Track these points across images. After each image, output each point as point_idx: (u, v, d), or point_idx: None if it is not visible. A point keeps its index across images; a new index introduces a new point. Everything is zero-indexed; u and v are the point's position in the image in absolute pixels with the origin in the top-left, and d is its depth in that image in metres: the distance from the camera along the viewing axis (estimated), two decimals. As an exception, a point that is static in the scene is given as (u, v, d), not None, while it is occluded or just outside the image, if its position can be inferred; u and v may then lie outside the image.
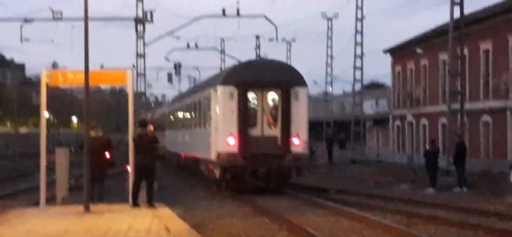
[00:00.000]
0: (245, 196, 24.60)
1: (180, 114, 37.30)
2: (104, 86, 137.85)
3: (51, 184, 20.31)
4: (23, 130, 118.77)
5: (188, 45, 67.99)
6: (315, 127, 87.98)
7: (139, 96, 53.44)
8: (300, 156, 26.13)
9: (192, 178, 34.31)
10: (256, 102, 26.38)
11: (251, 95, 26.29)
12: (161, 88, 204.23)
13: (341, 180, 35.00)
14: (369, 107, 73.31)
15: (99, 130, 19.33)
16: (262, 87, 26.36)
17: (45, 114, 18.70)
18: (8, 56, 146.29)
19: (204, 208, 21.79)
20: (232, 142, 25.59)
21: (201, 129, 29.25)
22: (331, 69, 69.24)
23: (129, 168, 18.26)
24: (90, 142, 16.71)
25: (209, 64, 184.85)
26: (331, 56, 67.00)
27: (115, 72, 19.59)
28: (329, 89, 71.91)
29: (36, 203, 20.02)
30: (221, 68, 70.46)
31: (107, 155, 18.98)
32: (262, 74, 26.64)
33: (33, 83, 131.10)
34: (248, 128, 25.84)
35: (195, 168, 31.48)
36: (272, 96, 26.56)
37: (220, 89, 26.27)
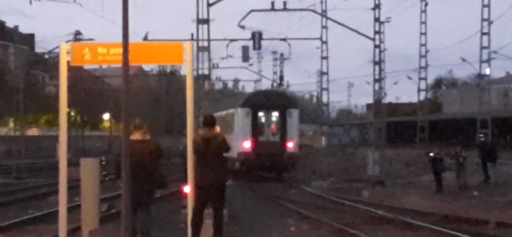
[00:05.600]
0: (356, 231, 24.97)
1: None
2: (148, 67, 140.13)
3: (74, 210, 20.65)
4: (32, 131, 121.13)
5: (272, 6, 68.16)
6: (463, 128, 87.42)
7: (201, 81, 53.81)
8: (292, 154, 57.73)
9: (278, 208, 37.61)
10: (264, 117, 58.44)
11: (260, 114, 58.14)
12: (233, 70, 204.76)
13: (505, 208, 34.72)
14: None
15: (145, 132, 19.29)
16: (267, 109, 58.49)
17: (65, 106, 18.65)
18: (10, 23, 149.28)
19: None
20: (247, 145, 56.07)
21: (228, 136, 46.14)
22: (489, 40, 68.43)
23: (187, 189, 18.37)
24: (132, 149, 16.82)
25: (305, 34, 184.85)
26: (488, 21, 66.09)
27: (168, 45, 19.58)
28: (486, 70, 70.87)
29: (53, 239, 20.40)
30: (321, 40, 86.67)
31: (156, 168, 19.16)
32: (268, 100, 59.78)
33: (47, 63, 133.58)
34: (259, 136, 57.19)
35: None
36: (274, 114, 58.53)
37: (240, 110, 58.26)
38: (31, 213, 32.45)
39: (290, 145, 57.47)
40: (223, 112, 64.39)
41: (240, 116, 57.90)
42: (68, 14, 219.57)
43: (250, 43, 78.58)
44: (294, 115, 59.15)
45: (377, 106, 72.09)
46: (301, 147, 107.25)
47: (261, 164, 55.72)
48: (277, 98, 62.17)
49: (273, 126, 58.68)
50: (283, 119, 58.43)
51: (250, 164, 56.27)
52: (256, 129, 57.54)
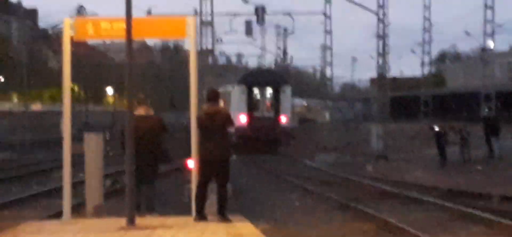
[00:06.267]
0: (359, 207, 24.99)
1: None
2: (152, 42, 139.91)
3: (78, 186, 20.67)
4: (36, 106, 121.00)
5: (276, -20, 68.22)
6: (467, 102, 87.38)
7: (205, 56, 53.81)
8: (286, 128, 61.85)
9: (279, 179, 38.16)
10: (259, 94, 63.59)
11: (255, 91, 63.28)
12: (237, 45, 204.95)
13: (508, 182, 34.69)
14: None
15: (149, 107, 19.26)
16: (262, 86, 63.83)
17: (69, 82, 18.64)
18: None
19: (302, 223, 21.93)
20: (243, 120, 58.43)
21: None
22: (493, 14, 68.37)
23: (191, 163, 18.37)
24: (136, 124, 16.84)
25: (308, 8, 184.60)
26: (492, -5, 65.96)
27: (171, 19, 19.44)
28: (490, 44, 70.82)
29: (58, 214, 20.41)
30: (325, 15, 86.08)
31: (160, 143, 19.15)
32: (262, 78, 66.21)
33: (50, 38, 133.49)
34: (254, 111, 61.39)
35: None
36: (269, 91, 63.60)
37: (236, 87, 62.26)
38: (35, 189, 32.52)
39: (283, 119, 61.66)
40: (221, 89, 65.66)
41: (237, 93, 61.53)
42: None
43: (253, 18, 78.65)
44: (287, 91, 63.36)
45: (381, 81, 72.34)
46: (306, 121, 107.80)
47: (256, 137, 57.91)
48: (270, 76, 68.88)
49: (268, 103, 63.61)
50: (276, 95, 62.70)
51: (246, 138, 57.74)
52: (251, 105, 61.65)
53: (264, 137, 58.82)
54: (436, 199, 27.08)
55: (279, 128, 61.16)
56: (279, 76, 71.79)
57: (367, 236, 19.65)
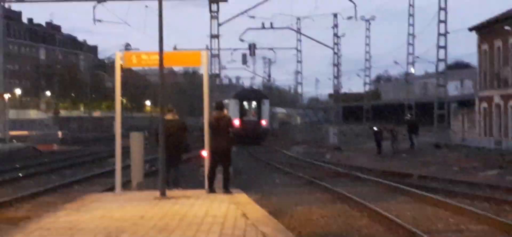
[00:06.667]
0: (321, 183, 24.97)
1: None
2: (177, 68, 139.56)
3: (126, 169, 20.64)
4: (96, 113, 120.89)
5: (263, 25, 68.10)
6: (395, 110, 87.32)
7: (213, 78, 53.69)
8: (265, 128, 64.80)
9: (266, 164, 38.02)
10: (247, 105, 65.38)
11: (245, 102, 65.26)
12: (236, 70, 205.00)
13: (424, 165, 34.72)
14: (453, 88, 72.09)
15: (175, 114, 19.21)
16: (250, 99, 66.24)
17: (119, 97, 18.60)
18: (80, 38, 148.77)
19: (281, 194, 21.91)
20: (236, 123, 54.02)
21: None
22: (413, 49, 68.63)
23: (205, 153, 18.35)
24: (166, 125, 16.82)
25: (285, 44, 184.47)
26: (413, 35, 66.15)
27: (190, 53, 19.44)
28: (411, 70, 70.96)
29: (111, 188, 20.38)
30: (297, 49, 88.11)
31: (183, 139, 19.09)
32: (249, 94, 69.27)
33: (106, 66, 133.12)
34: (243, 117, 63.19)
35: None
36: (253, 103, 65.49)
37: (232, 100, 64.70)
38: (96, 171, 32.51)
39: (263, 122, 64.60)
40: (225, 101, 69.91)
41: (232, 104, 63.17)
42: (121, 31, 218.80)
43: (247, 52, 78.48)
44: (266, 104, 66.18)
45: (336, 95, 72.34)
46: (284, 123, 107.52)
47: (245, 134, 57.35)
48: (254, 93, 71.39)
49: (253, 112, 65.37)
50: (258, 106, 65.17)
51: (238, 135, 60.27)
52: (242, 112, 63.84)
53: (250, 134, 59.51)
54: (374, 177, 27.14)
55: (260, 128, 63.62)
56: (260, 93, 74.75)
57: (326, 202, 19.62)
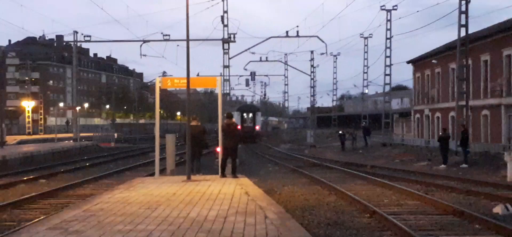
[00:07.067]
0: (301, 171, 24.99)
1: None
2: (199, 89, 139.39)
3: (162, 160, 20.65)
4: (141, 121, 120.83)
5: (260, 59, 68.74)
6: (354, 119, 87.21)
7: (225, 96, 53.61)
8: (259, 132, 66.89)
9: (263, 159, 37.92)
10: (246, 116, 66.16)
11: (244, 114, 66.13)
12: (241, 90, 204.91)
13: (375, 158, 34.74)
14: (395, 104, 71.93)
15: (198, 121, 19.21)
16: (247, 111, 67.55)
17: (158, 109, 18.72)
18: (131, 67, 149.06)
19: (273, 178, 21.92)
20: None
21: None
22: (367, 76, 68.27)
23: (218, 149, 18.35)
24: (191, 129, 16.81)
25: (276, 72, 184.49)
26: (367, 66, 65.96)
27: (209, 78, 19.63)
28: (365, 90, 70.87)
29: (152, 174, 20.38)
30: (284, 76, 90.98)
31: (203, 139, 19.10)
32: (247, 108, 70.48)
33: (149, 87, 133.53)
34: (243, 124, 62.77)
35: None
36: (250, 114, 66.71)
37: (235, 112, 62.60)
38: (141, 161, 32.51)
39: (257, 127, 67.13)
40: (233, 112, 73.01)
41: (236, 115, 62.28)
42: (159, 62, 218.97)
43: (249, 77, 78.54)
44: (259, 114, 70.12)
45: (312, 108, 72.21)
46: (276, 128, 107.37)
47: (244, 136, 56.96)
48: (251, 107, 74.86)
49: (250, 120, 66.57)
50: (254, 116, 67.26)
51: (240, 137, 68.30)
52: (243, 121, 64.68)
53: (248, 136, 59.98)
54: (339, 167, 27.16)
55: (255, 132, 65.18)
56: (255, 107, 76.90)
57: (305, 184, 19.62)
